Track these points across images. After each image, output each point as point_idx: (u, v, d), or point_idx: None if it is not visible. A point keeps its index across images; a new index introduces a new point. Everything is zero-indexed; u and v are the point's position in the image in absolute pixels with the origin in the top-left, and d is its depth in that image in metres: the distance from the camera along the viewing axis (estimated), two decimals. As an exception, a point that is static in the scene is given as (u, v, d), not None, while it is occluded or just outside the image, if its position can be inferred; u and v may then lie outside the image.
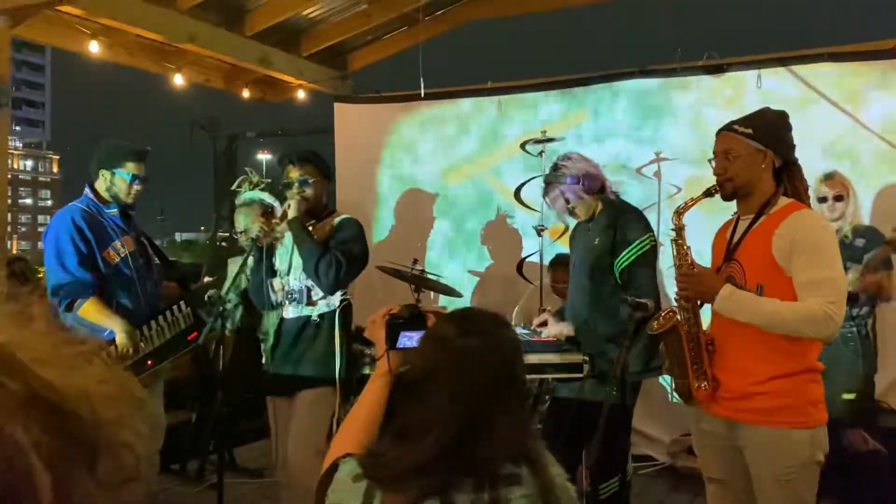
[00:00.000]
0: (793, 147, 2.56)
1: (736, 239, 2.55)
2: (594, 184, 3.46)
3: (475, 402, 1.37)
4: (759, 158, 2.50)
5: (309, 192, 3.36)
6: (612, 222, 3.44)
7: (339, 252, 3.26)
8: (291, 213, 3.31)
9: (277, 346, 3.42)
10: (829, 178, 3.86)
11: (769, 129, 2.54)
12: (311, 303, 3.37)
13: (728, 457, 2.56)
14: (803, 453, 2.40)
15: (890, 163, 4.56)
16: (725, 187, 2.54)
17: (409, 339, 1.74)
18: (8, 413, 0.41)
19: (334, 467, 1.44)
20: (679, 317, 2.54)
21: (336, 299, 3.36)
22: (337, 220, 3.42)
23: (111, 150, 3.49)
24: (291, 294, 3.39)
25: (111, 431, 0.46)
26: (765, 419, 2.40)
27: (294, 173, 3.37)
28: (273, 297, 3.43)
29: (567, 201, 3.48)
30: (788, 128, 2.57)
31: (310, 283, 3.36)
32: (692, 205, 2.62)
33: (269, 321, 3.49)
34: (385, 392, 1.70)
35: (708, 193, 2.58)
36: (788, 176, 2.53)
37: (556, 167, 3.53)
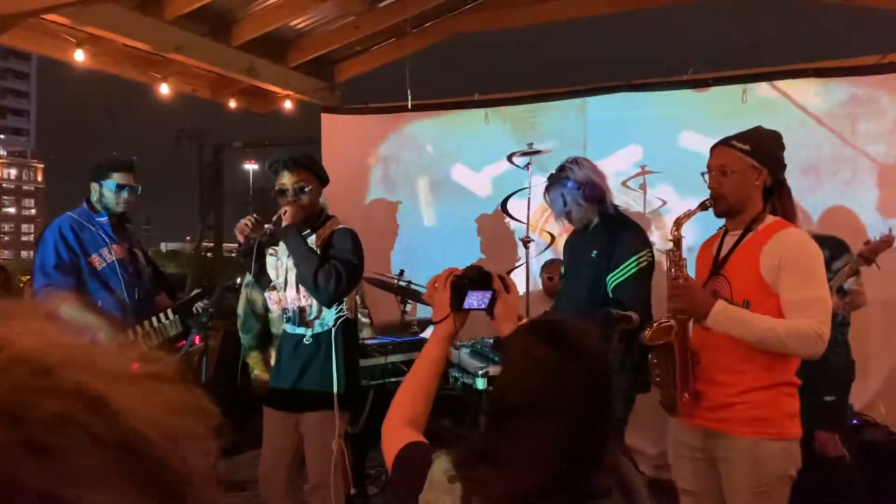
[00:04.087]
0: (784, 167, 2.57)
1: (723, 254, 2.56)
2: (595, 193, 3.51)
3: (580, 434, 1.31)
4: (755, 176, 2.50)
5: (305, 199, 3.14)
6: (610, 237, 3.46)
7: (339, 262, 3.06)
8: (286, 222, 3.09)
9: (280, 358, 3.32)
10: None
11: (767, 147, 2.55)
12: (304, 323, 3.19)
13: (702, 468, 2.56)
14: (778, 465, 2.42)
15: (871, 176, 4.61)
16: (720, 204, 2.54)
17: (477, 300, 1.70)
18: (105, 476, 0.39)
19: (423, 460, 1.41)
20: (675, 329, 2.54)
21: (331, 318, 3.17)
22: (333, 230, 3.21)
23: (99, 164, 3.68)
24: (286, 312, 3.23)
25: (197, 476, 0.44)
26: (742, 429, 2.42)
27: (288, 179, 3.13)
28: (272, 310, 3.35)
29: (565, 204, 3.53)
30: (783, 147, 2.59)
31: (304, 302, 3.18)
32: (689, 217, 2.62)
33: (275, 331, 3.44)
34: (445, 355, 1.69)
35: (703, 207, 2.59)
36: (779, 195, 2.54)
37: (562, 168, 3.59)
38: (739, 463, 2.42)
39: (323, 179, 3.26)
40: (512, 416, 1.33)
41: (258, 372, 4.21)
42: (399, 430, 1.56)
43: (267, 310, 4.22)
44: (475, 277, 1.72)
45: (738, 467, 2.43)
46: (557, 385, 1.32)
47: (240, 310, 4.35)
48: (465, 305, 1.70)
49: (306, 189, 3.14)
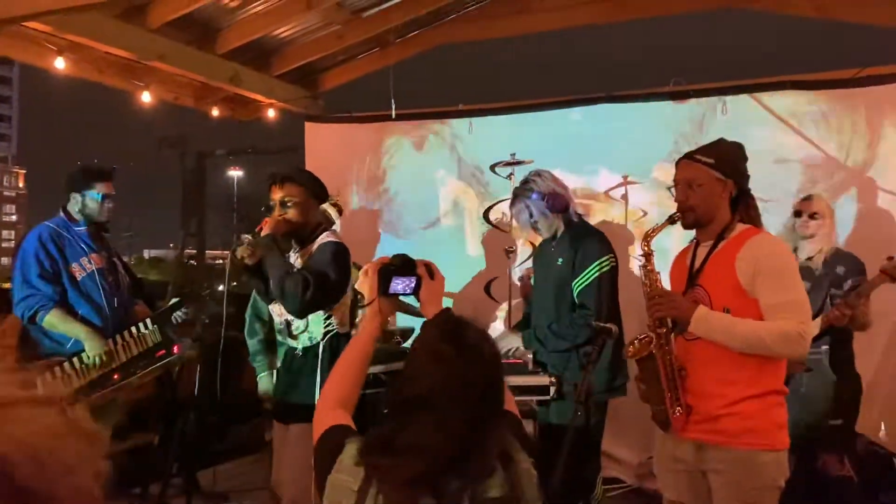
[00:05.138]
0: (748, 177, 2.63)
1: (697, 265, 2.59)
2: (558, 203, 3.60)
3: (467, 427, 1.44)
4: (720, 188, 2.55)
5: (291, 213, 3.17)
6: (574, 244, 3.55)
7: (310, 272, 3.05)
8: (264, 232, 3.12)
9: (279, 368, 3.36)
10: (808, 199, 3.90)
11: (730, 159, 2.60)
12: (292, 336, 3.22)
13: (692, 480, 2.58)
14: (768, 476, 2.44)
15: (850, 187, 4.66)
16: (687, 216, 2.59)
17: (401, 285, 1.86)
18: None
19: (338, 444, 1.54)
20: (654, 343, 2.56)
21: (319, 332, 3.17)
22: (319, 243, 3.20)
23: (80, 173, 3.66)
24: (279, 324, 3.26)
25: (75, 498, 0.44)
26: (733, 441, 2.44)
27: (276, 194, 3.19)
28: (275, 320, 3.37)
29: (531, 215, 3.61)
30: (745, 158, 2.65)
31: (289, 315, 3.20)
32: (658, 231, 2.66)
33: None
34: (374, 338, 1.84)
35: (671, 220, 2.63)
36: (745, 204, 2.60)
37: (525, 181, 3.68)
38: (732, 474, 2.44)
39: (316, 194, 3.27)
40: (410, 407, 1.47)
41: (264, 381, 4.23)
42: (328, 412, 1.71)
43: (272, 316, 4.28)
44: (400, 264, 1.88)
45: (730, 478, 2.45)
46: (451, 380, 1.45)
47: (246, 314, 4.39)
48: (391, 290, 1.86)
49: (289, 203, 3.17)
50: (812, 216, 3.82)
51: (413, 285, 1.87)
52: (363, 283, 1.90)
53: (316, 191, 3.28)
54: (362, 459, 1.48)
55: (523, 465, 1.51)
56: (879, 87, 4.64)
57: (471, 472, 1.43)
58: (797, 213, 3.87)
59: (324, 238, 3.23)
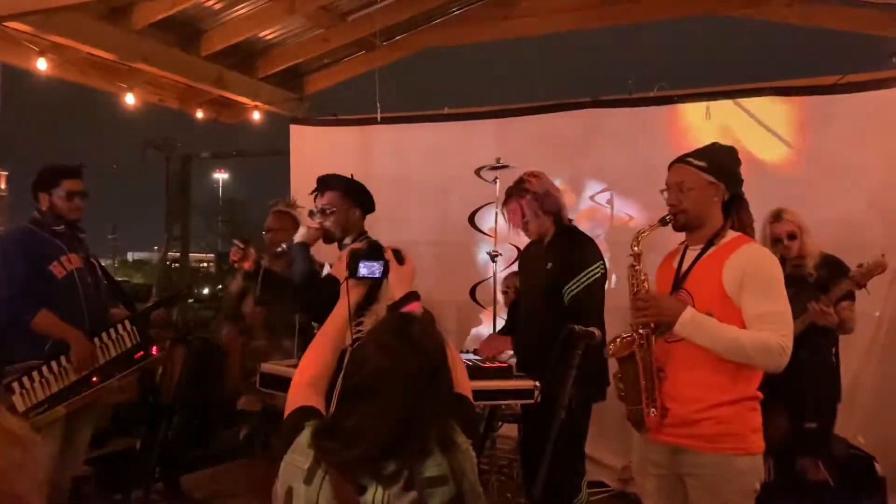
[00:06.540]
0: (741, 181, 2.62)
1: (685, 269, 2.59)
2: (552, 205, 3.59)
3: (406, 413, 1.53)
4: (712, 191, 2.56)
5: (329, 221, 3.23)
6: (566, 249, 3.53)
7: (322, 278, 3.12)
8: (297, 240, 3.22)
9: None
10: (778, 218, 3.83)
11: (722, 163, 2.60)
12: None
13: (669, 485, 2.58)
14: (744, 480, 2.45)
15: (830, 193, 4.70)
16: (678, 219, 2.59)
17: (368, 269, 1.97)
18: None
19: (299, 426, 1.63)
20: (636, 342, 2.56)
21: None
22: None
23: (45, 173, 3.60)
24: None
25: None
26: (709, 445, 2.45)
27: (317, 202, 3.29)
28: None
29: (523, 215, 3.59)
30: (738, 163, 2.65)
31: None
32: (649, 233, 2.66)
33: None
34: (345, 319, 1.94)
35: (663, 222, 2.62)
36: (736, 209, 2.60)
37: (520, 180, 3.65)
38: (707, 478, 2.45)
39: (357, 201, 3.29)
40: (356, 394, 1.57)
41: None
42: (300, 391, 1.78)
43: None
44: (368, 249, 2.01)
45: (705, 483, 2.46)
46: (393, 370, 1.54)
47: None
48: (358, 273, 1.96)
49: (327, 211, 3.24)
50: (790, 237, 3.79)
51: (381, 269, 1.98)
52: (337, 268, 2.00)
53: (357, 197, 3.30)
54: (312, 443, 1.57)
55: (462, 446, 1.59)
56: (861, 93, 4.68)
57: (407, 454, 1.51)
58: (776, 240, 3.79)
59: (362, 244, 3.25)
